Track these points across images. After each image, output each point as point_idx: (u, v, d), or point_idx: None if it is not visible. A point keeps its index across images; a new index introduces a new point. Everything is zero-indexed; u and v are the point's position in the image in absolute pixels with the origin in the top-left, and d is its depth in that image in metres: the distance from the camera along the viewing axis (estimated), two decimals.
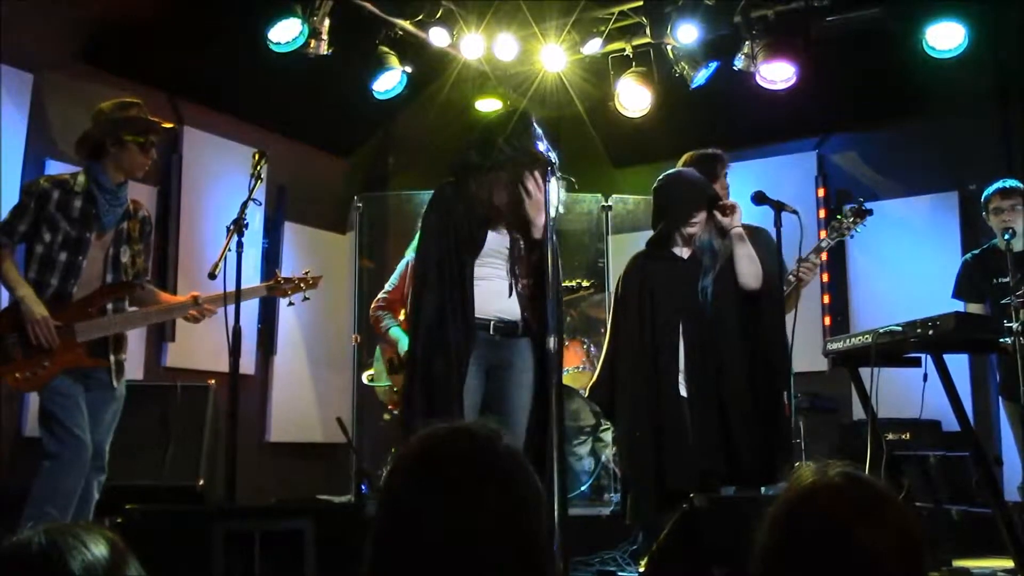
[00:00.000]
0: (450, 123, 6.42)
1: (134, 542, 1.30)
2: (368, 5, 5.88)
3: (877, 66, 6.08)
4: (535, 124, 3.63)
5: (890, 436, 5.11)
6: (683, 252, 3.97)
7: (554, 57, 6.23)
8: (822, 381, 5.98)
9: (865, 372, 3.98)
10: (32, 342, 3.69)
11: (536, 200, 3.57)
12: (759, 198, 4.02)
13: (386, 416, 5.34)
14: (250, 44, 5.48)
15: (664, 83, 6.10)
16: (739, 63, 5.83)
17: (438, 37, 6.07)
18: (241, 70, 5.89)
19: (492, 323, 3.59)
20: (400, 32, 6.04)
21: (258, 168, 3.86)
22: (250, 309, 6.03)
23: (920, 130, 6.50)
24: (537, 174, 3.52)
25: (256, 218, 6.17)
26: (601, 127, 7.04)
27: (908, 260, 6.23)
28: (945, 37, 5.44)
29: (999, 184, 4.78)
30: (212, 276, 3.65)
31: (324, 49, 5.62)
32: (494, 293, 3.62)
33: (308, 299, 4.30)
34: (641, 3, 5.90)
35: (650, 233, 4.11)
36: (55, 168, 5.07)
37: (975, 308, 4.78)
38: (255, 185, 3.82)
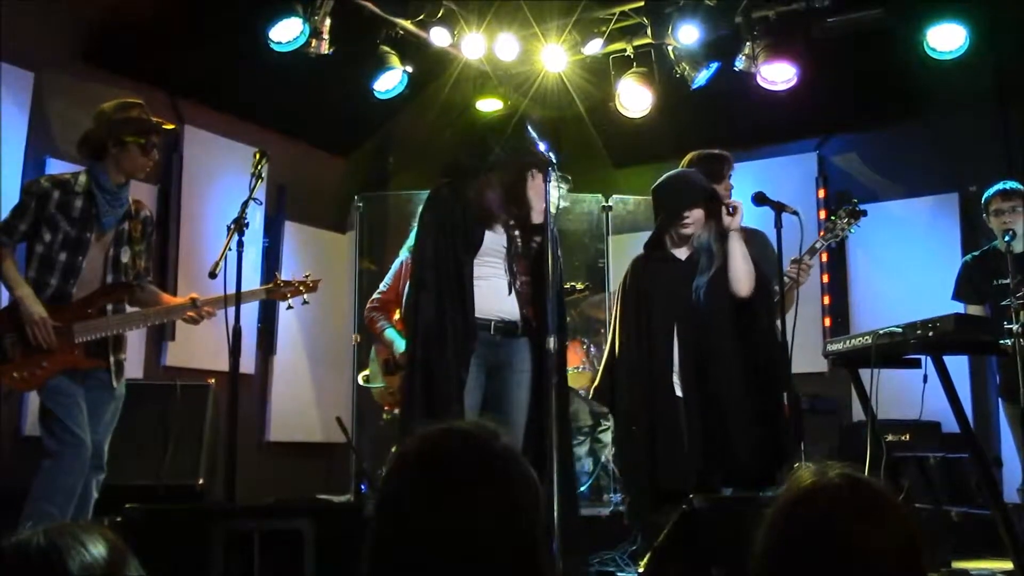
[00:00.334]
0: (451, 123, 6.43)
1: (134, 541, 1.30)
2: (369, 5, 5.88)
3: (878, 67, 6.08)
4: (530, 126, 3.63)
5: (890, 437, 5.11)
6: (681, 253, 3.98)
7: (555, 57, 6.23)
8: (822, 382, 5.98)
9: (865, 373, 3.98)
10: (31, 342, 3.69)
11: (536, 185, 3.58)
12: (759, 199, 4.02)
13: (385, 416, 5.34)
14: (251, 43, 5.48)
15: (665, 84, 6.10)
16: (740, 64, 5.83)
17: (439, 37, 6.07)
18: (242, 69, 5.89)
19: (493, 323, 3.59)
20: (401, 32, 6.04)
21: (259, 167, 3.85)
22: (250, 309, 6.03)
23: (921, 131, 6.50)
24: (534, 173, 3.54)
25: (256, 217, 6.16)
26: (602, 127, 7.04)
27: (908, 261, 6.23)
28: (946, 38, 5.44)
29: (999, 186, 4.78)
30: (212, 275, 3.65)
31: (325, 49, 5.62)
32: (494, 292, 3.62)
33: (307, 303, 4.30)
34: (642, 3, 5.90)
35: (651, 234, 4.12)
36: (55, 167, 5.08)
37: (975, 310, 4.78)
38: (256, 184, 3.81)
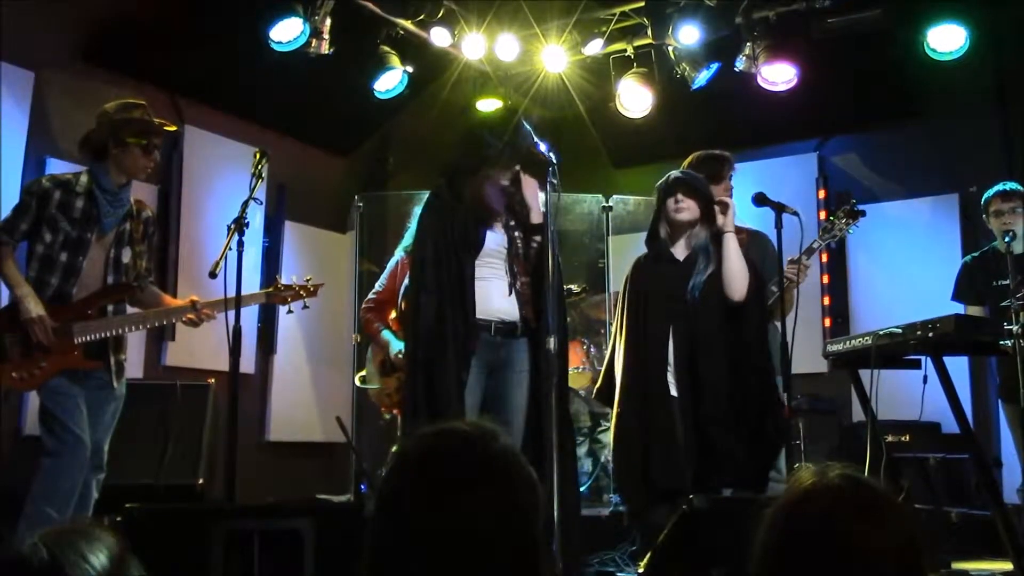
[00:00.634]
0: (451, 123, 6.43)
1: (134, 541, 1.30)
2: (369, 5, 5.88)
3: (878, 68, 6.08)
4: (525, 123, 3.64)
5: (890, 438, 5.11)
6: (680, 254, 3.98)
7: (555, 57, 6.24)
8: (822, 383, 5.98)
9: (865, 374, 3.98)
10: (30, 340, 3.69)
11: (530, 185, 3.60)
12: (760, 199, 4.02)
13: (386, 416, 5.33)
14: (251, 43, 5.48)
15: (665, 84, 6.10)
16: (740, 64, 5.83)
17: (439, 37, 6.07)
18: (242, 69, 5.89)
19: (493, 324, 3.60)
20: (401, 32, 6.04)
21: (259, 167, 3.86)
22: (250, 309, 5.99)
23: (921, 132, 6.50)
24: (530, 172, 3.54)
25: (257, 217, 6.16)
26: (602, 128, 7.04)
27: (908, 262, 6.23)
28: (946, 39, 5.44)
29: (999, 187, 4.78)
30: (213, 275, 3.65)
31: (325, 48, 5.62)
32: (494, 293, 3.63)
33: (307, 307, 4.30)
34: (642, 4, 5.90)
35: None
36: (56, 167, 5.08)
37: (975, 310, 4.78)
38: (256, 184, 3.81)
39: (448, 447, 1.34)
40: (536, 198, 3.61)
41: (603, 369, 4.18)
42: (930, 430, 5.39)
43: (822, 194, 6.74)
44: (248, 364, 6.34)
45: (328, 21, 5.59)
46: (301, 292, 4.23)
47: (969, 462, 4.90)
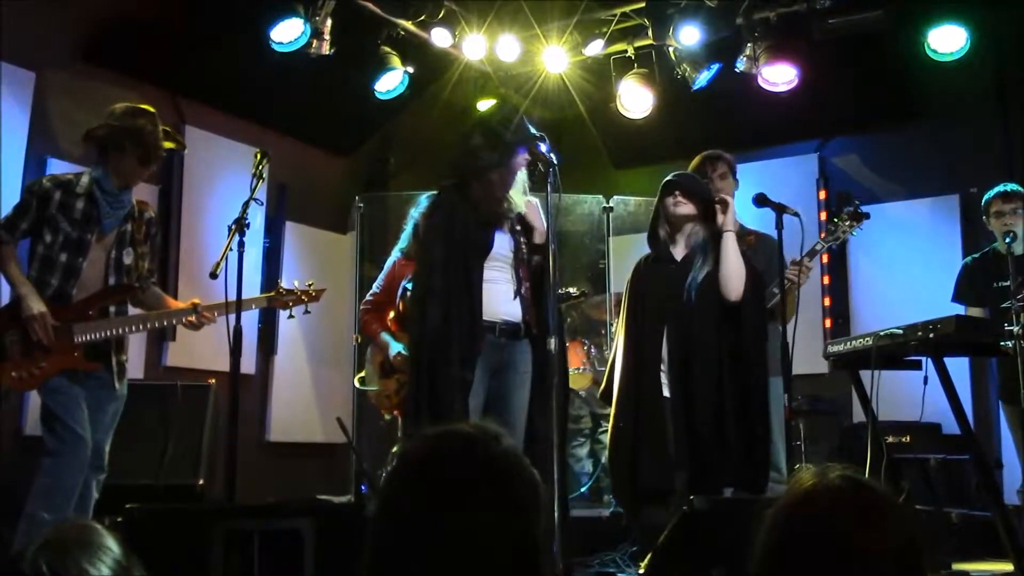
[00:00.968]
0: (451, 123, 6.42)
1: (134, 541, 1.30)
2: (370, 5, 5.88)
3: (879, 69, 6.08)
4: (522, 116, 3.66)
5: (890, 439, 5.10)
6: (678, 254, 3.99)
7: (556, 58, 6.24)
8: (822, 384, 5.98)
9: (865, 375, 3.99)
10: (31, 339, 3.69)
11: (534, 206, 3.61)
12: (760, 200, 4.03)
13: (386, 416, 5.34)
14: (252, 43, 5.48)
15: (666, 85, 6.10)
16: (741, 65, 5.83)
17: (440, 37, 6.07)
18: (243, 69, 5.89)
19: (497, 326, 3.60)
20: (402, 32, 6.04)
21: (260, 167, 3.85)
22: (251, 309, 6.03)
23: (921, 133, 6.50)
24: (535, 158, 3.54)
25: (257, 218, 6.15)
26: (602, 128, 7.05)
27: (909, 263, 6.23)
28: (947, 40, 5.44)
29: (1000, 188, 4.78)
30: (213, 276, 3.65)
31: (326, 49, 5.62)
32: (500, 296, 3.63)
33: (309, 312, 4.30)
34: (643, 5, 5.90)
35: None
36: (56, 167, 5.07)
37: (975, 312, 4.78)
38: (257, 184, 3.81)
39: (450, 448, 1.34)
40: (540, 219, 3.60)
41: (607, 369, 4.19)
42: (931, 431, 5.38)
43: (823, 195, 6.74)
44: (249, 365, 6.34)
45: (329, 22, 5.59)
46: (303, 297, 4.23)
47: (970, 463, 4.89)
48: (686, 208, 3.92)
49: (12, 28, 4.95)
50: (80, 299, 3.81)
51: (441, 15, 5.99)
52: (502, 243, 3.66)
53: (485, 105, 6.61)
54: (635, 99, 6.19)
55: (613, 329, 6.31)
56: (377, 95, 6.10)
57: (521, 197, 3.70)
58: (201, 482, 5.05)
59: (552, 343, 3.37)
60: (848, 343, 4.09)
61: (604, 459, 6.02)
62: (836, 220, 4.49)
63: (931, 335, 3.57)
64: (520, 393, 3.66)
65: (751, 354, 3.81)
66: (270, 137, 6.51)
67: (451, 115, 6.57)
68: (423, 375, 3.49)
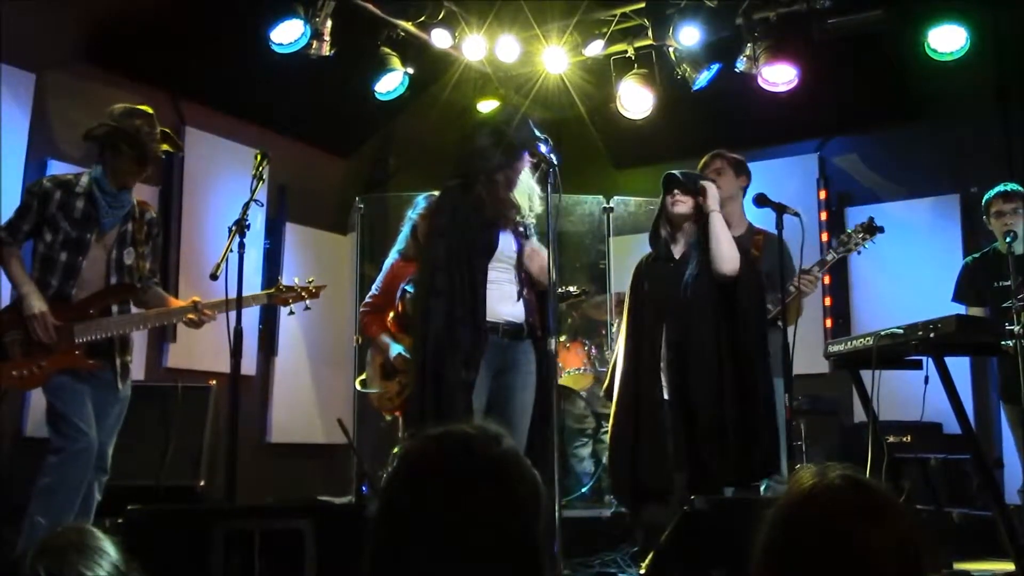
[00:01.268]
0: (451, 124, 6.43)
1: (135, 542, 1.30)
2: (370, 6, 5.88)
3: (879, 68, 6.08)
4: (529, 119, 3.66)
5: (891, 439, 5.11)
6: (677, 252, 3.99)
7: (556, 59, 6.24)
8: (823, 383, 5.98)
9: (866, 374, 3.99)
10: (32, 338, 3.69)
11: (539, 257, 3.60)
12: (760, 200, 4.03)
13: (387, 417, 5.34)
14: (252, 45, 5.49)
15: (666, 85, 6.10)
16: (741, 65, 5.83)
17: (440, 38, 6.08)
18: (243, 70, 5.89)
19: (500, 327, 3.60)
20: (402, 33, 6.04)
21: (260, 169, 3.85)
22: (251, 310, 6.00)
23: (922, 133, 6.50)
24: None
25: (257, 219, 6.16)
26: (603, 129, 7.05)
27: (909, 263, 6.23)
28: (946, 40, 5.44)
29: (1000, 187, 4.77)
30: (214, 277, 3.65)
31: (326, 50, 5.62)
32: (503, 297, 3.62)
33: (309, 308, 4.30)
34: (643, 5, 5.90)
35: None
36: (57, 168, 5.08)
37: (976, 311, 4.77)
38: (257, 186, 3.81)
39: (450, 449, 1.34)
40: (544, 271, 3.57)
41: (608, 368, 4.19)
42: (931, 431, 5.38)
43: (823, 195, 6.74)
44: (249, 366, 6.34)
45: (329, 23, 5.60)
46: (303, 293, 4.23)
47: (970, 463, 4.90)
48: (684, 207, 3.93)
49: (12, 30, 4.95)
50: (81, 298, 3.81)
51: (441, 16, 5.99)
52: (506, 243, 3.66)
53: (485, 106, 6.61)
54: (635, 99, 6.19)
55: (613, 329, 6.31)
56: (377, 96, 6.11)
57: (526, 200, 3.70)
58: (202, 483, 5.05)
59: (552, 343, 3.38)
60: (849, 343, 4.09)
61: (606, 459, 6.03)
62: (850, 232, 4.49)
63: (932, 335, 3.57)
64: (523, 394, 3.66)
65: (749, 344, 3.77)
66: (270, 138, 6.51)
67: (451, 116, 6.58)
68: (426, 376, 3.48)
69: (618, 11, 6.05)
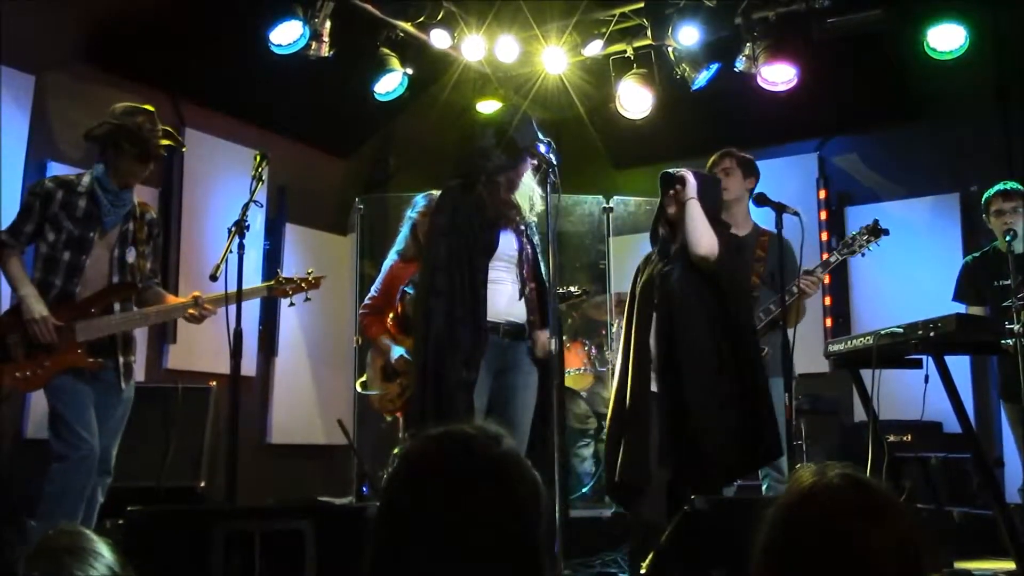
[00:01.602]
0: (451, 125, 6.43)
1: (135, 543, 1.30)
2: (369, 7, 5.89)
3: (878, 68, 6.08)
4: (533, 121, 3.66)
5: (891, 438, 5.11)
6: (675, 252, 3.99)
7: (555, 59, 6.24)
8: (823, 383, 5.98)
9: (866, 374, 3.98)
10: (33, 342, 3.69)
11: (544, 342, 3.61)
12: (760, 200, 4.03)
13: (387, 418, 5.34)
14: (252, 46, 5.49)
15: (665, 85, 6.10)
16: (740, 65, 5.84)
17: (439, 39, 6.08)
18: (242, 71, 5.90)
19: (501, 326, 3.60)
20: (401, 34, 6.04)
21: (259, 170, 3.86)
22: (251, 311, 6.03)
23: (921, 132, 6.50)
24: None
25: (257, 220, 6.17)
26: (602, 129, 7.05)
27: (909, 262, 6.23)
28: (946, 39, 5.44)
29: (1000, 186, 4.77)
30: (213, 278, 3.65)
31: (325, 51, 5.63)
32: (504, 296, 3.63)
33: (309, 299, 4.30)
34: (642, 5, 5.90)
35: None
36: (56, 170, 5.07)
37: (976, 310, 4.78)
38: (256, 187, 3.81)
39: (450, 449, 1.34)
40: (546, 349, 3.59)
41: (609, 370, 4.19)
42: (931, 430, 5.39)
43: (822, 194, 6.75)
44: (249, 366, 6.34)
45: (328, 24, 5.60)
46: (302, 284, 4.23)
47: (971, 462, 4.90)
48: (676, 205, 3.92)
49: (12, 31, 4.95)
50: (83, 297, 3.82)
51: (440, 16, 5.99)
52: (507, 243, 3.66)
53: (485, 106, 6.61)
54: (634, 99, 6.20)
55: (614, 329, 6.31)
56: (376, 97, 6.11)
57: (526, 202, 3.70)
58: (202, 484, 5.06)
59: (552, 344, 3.38)
60: (849, 342, 4.09)
61: None
62: (855, 234, 4.49)
63: (932, 334, 3.57)
64: (524, 394, 3.66)
65: (738, 329, 3.72)
66: (270, 139, 6.51)
67: (450, 116, 6.58)
68: (428, 376, 3.48)
69: (617, 11, 6.05)
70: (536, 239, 3.77)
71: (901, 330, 3.69)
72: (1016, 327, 3.97)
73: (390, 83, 6.09)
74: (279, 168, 6.25)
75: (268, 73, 5.77)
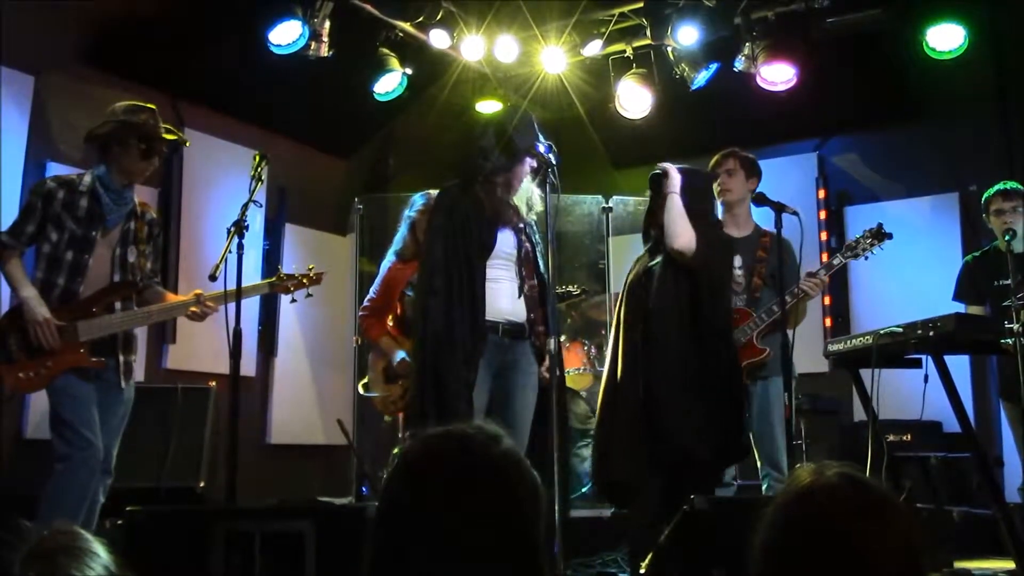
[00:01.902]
0: (450, 125, 6.43)
1: (135, 543, 1.30)
2: (368, 7, 5.88)
3: (877, 67, 6.08)
4: (535, 122, 3.66)
5: (891, 437, 5.11)
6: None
7: (554, 59, 6.24)
8: (823, 382, 5.98)
9: (866, 373, 3.98)
10: (34, 342, 3.69)
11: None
12: (759, 199, 4.03)
13: (387, 418, 5.33)
14: (251, 46, 5.49)
15: (664, 85, 6.10)
16: (739, 64, 5.83)
17: (438, 39, 6.08)
18: (242, 72, 5.90)
19: (500, 326, 3.59)
20: (400, 34, 6.04)
21: (259, 170, 3.86)
22: (251, 311, 6.03)
23: (921, 131, 6.50)
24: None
25: (257, 220, 6.17)
26: (601, 129, 7.04)
27: (909, 262, 6.22)
28: (945, 38, 5.44)
29: (1000, 186, 4.78)
30: (213, 278, 3.65)
31: (324, 51, 5.63)
32: (503, 295, 3.62)
33: (311, 295, 4.30)
34: (641, 5, 5.90)
35: None
36: (56, 170, 5.07)
37: (976, 310, 4.78)
38: (256, 187, 3.82)
39: (450, 449, 1.34)
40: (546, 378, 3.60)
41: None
42: (931, 429, 5.39)
43: (822, 194, 6.75)
44: (249, 367, 6.35)
45: (327, 24, 5.60)
46: (303, 280, 4.23)
47: (970, 461, 4.91)
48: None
49: (12, 32, 4.95)
50: (85, 296, 3.82)
51: (439, 16, 5.99)
52: (505, 241, 3.66)
53: (484, 106, 6.61)
54: (634, 99, 6.20)
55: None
56: (376, 97, 6.11)
57: (524, 205, 3.70)
58: (202, 484, 5.06)
59: (552, 344, 3.37)
60: (848, 342, 4.09)
61: None
62: (859, 237, 4.50)
63: (931, 333, 3.57)
64: (524, 394, 3.66)
65: (709, 330, 3.73)
66: (269, 139, 6.52)
67: (450, 116, 6.58)
68: (427, 376, 3.48)
69: (616, 11, 6.05)
70: (536, 238, 3.77)
71: (901, 330, 3.70)
72: (1016, 327, 3.96)
73: (390, 83, 6.09)
74: (279, 168, 6.26)
75: (268, 73, 5.77)
